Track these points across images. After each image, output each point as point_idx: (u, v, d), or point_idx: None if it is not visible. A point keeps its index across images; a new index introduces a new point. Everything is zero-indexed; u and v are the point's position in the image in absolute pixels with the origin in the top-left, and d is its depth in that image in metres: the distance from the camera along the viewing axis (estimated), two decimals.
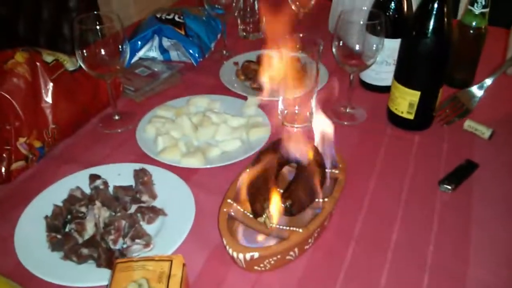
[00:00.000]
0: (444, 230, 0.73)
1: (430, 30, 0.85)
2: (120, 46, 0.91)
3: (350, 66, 0.93)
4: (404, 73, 0.91)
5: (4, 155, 0.81)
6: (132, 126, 0.97)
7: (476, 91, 0.92)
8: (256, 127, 0.94)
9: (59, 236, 0.70)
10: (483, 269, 0.67)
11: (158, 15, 1.18)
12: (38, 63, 0.86)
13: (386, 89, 0.99)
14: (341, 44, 0.91)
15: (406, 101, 0.91)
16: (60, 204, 0.75)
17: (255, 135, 0.93)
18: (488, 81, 0.89)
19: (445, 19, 0.84)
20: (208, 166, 0.86)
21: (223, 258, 0.67)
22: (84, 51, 0.88)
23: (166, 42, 1.17)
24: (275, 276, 0.66)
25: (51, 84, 0.87)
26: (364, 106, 1.03)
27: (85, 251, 0.67)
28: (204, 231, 0.73)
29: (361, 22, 0.90)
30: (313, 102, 0.95)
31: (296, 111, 0.98)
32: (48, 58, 0.89)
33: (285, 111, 0.97)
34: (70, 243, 0.68)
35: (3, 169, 0.81)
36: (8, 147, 0.81)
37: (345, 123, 0.99)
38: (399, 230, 0.73)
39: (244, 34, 1.36)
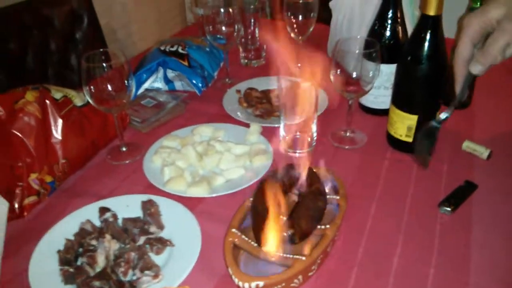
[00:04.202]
0: (445, 252, 0.75)
1: (424, 56, 0.88)
2: (126, 81, 0.94)
3: (348, 93, 0.96)
4: (401, 98, 0.94)
5: (17, 191, 0.84)
6: (139, 157, 1.00)
7: (435, 124, 0.88)
8: (259, 154, 0.97)
9: (71, 270, 0.72)
10: None
11: (162, 48, 1.22)
12: (47, 101, 0.90)
13: (386, 113, 1.01)
14: (338, 72, 0.94)
15: (404, 125, 0.93)
16: (72, 237, 0.78)
17: (258, 162, 0.95)
18: (446, 114, 0.85)
19: (438, 45, 0.87)
20: (214, 195, 0.88)
21: (230, 287, 0.69)
22: (92, 87, 0.92)
23: (170, 73, 1.21)
24: None
25: (60, 121, 0.91)
26: (364, 130, 1.05)
27: (96, 283, 0.69)
28: (210, 260, 0.75)
29: (357, 51, 0.93)
30: (314, 127, 0.98)
31: (298, 137, 1.01)
32: (57, 94, 0.93)
33: (287, 137, 1.00)
34: (82, 276, 0.70)
35: (16, 205, 0.84)
36: (21, 183, 0.85)
37: (346, 147, 1.01)
38: (401, 253, 0.75)
39: (246, 61, 1.39)
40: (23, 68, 1.66)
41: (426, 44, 0.87)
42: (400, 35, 1.01)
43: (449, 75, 0.90)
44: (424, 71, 0.89)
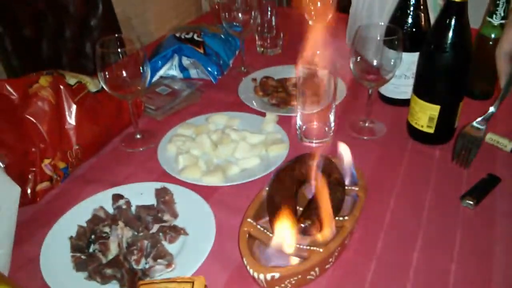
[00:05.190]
0: (467, 247, 0.72)
1: (448, 44, 0.84)
2: (141, 67, 0.93)
3: (368, 81, 0.93)
4: (423, 88, 0.91)
5: (30, 176, 0.83)
6: (154, 145, 0.98)
7: (482, 123, 0.86)
8: (275, 143, 0.94)
9: (83, 257, 0.71)
10: (506, 286, 0.66)
11: (178, 34, 1.20)
12: (61, 86, 0.88)
13: (406, 103, 0.98)
14: (358, 59, 0.91)
15: (426, 115, 0.90)
16: (84, 224, 0.77)
17: (274, 151, 0.93)
18: (492, 109, 0.85)
19: (463, 33, 0.84)
20: (228, 184, 0.86)
21: (244, 278, 0.68)
22: (106, 73, 0.90)
23: (185, 61, 1.19)
24: None
25: (74, 106, 0.89)
26: (384, 120, 1.02)
27: (108, 271, 0.68)
28: (225, 250, 0.74)
29: (378, 38, 0.90)
30: (332, 117, 0.96)
31: (315, 127, 0.98)
32: (72, 80, 0.92)
33: (304, 127, 0.98)
34: (94, 264, 0.69)
35: (28, 190, 0.83)
36: (34, 169, 0.84)
37: (365, 137, 0.98)
38: (421, 247, 0.73)
39: (262, 49, 1.37)
40: (37, 54, 1.66)
41: (451, 31, 0.84)
42: (423, 22, 0.98)
43: (473, 65, 0.87)
44: (448, 59, 0.86)
